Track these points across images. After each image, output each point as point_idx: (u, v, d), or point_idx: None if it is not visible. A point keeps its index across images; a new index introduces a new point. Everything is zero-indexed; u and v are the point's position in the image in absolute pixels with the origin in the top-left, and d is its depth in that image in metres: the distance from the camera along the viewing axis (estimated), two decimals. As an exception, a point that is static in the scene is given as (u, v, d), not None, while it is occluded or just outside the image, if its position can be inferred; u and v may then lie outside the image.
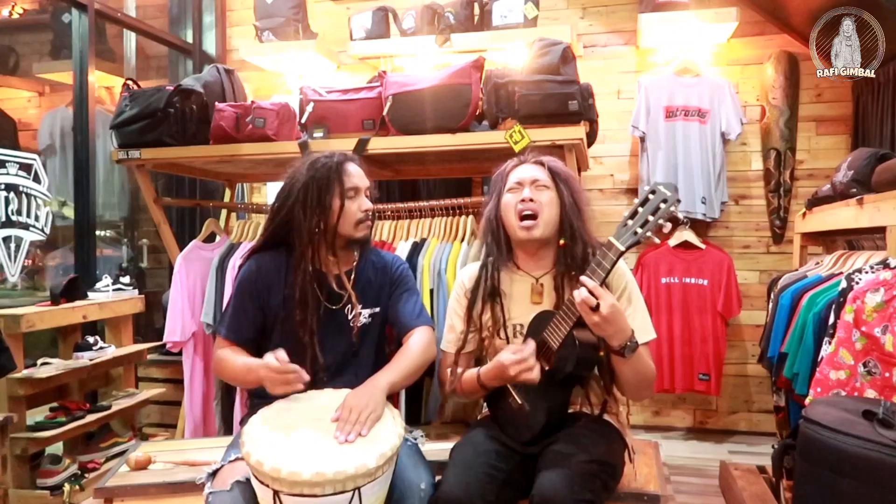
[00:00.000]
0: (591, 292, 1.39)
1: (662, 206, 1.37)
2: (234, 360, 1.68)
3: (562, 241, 1.63)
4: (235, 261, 2.60)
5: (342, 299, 1.73)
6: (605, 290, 1.41)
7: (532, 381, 1.49)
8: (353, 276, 1.77)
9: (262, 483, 1.31)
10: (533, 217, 1.63)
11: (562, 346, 1.49)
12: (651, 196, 1.39)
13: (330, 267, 1.75)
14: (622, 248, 1.40)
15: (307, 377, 1.52)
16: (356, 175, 1.74)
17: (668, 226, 1.38)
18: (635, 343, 1.46)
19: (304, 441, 1.36)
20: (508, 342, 1.66)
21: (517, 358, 1.49)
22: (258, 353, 1.67)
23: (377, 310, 1.78)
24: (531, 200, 1.63)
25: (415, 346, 1.69)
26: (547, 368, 1.51)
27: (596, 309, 1.39)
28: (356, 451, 1.32)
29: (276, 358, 1.51)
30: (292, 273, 1.70)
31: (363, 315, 1.75)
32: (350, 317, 1.74)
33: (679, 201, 1.38)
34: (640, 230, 1.38)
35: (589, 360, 1.54)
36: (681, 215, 1.42)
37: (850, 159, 2.43)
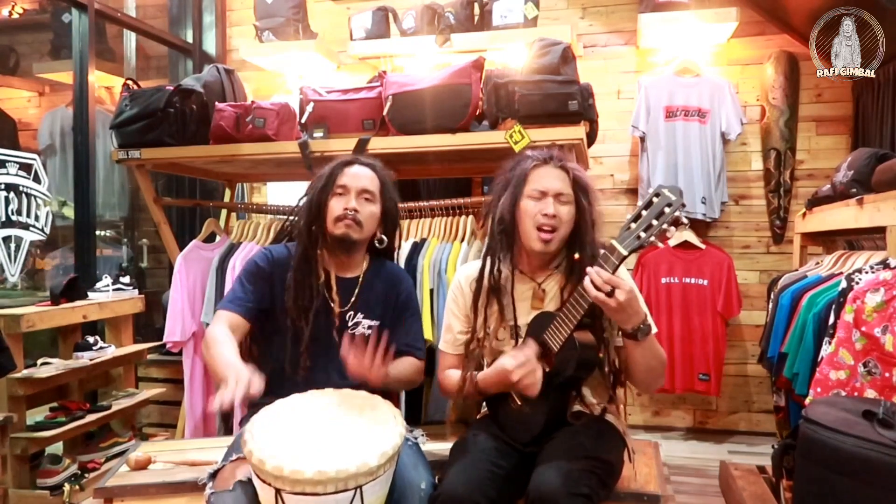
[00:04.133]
0: (606, 282, 1.38)
1: (667, 210, 1.34)
2: (224, 346, 1.57)
3: (577, 256, 1.58)
4: (235, 261, 2.60)
5: (345, 304, 1.74)
6: (619, 277, 1.40)
7: (533, 391, 1.47)
8: (360, 282, 1.77)
9: (263, 482, 1.31)
10: (552, 231, 1.58)
11: (562, 349, 1.48)
12: (655, 199, 1.36)
13: (336, 269, 1.76)
14: (625, 253, 1.38)
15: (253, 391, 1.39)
16: (349, 175, 1.74)
17: (672, 230, 1.35)
18: (648, 326, 1.46)
19: (306, 440, 1.36)
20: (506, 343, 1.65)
21: (519, 362, 1.48)
22: (259, 335, 1.75)
23: (376, 323, 1.77)
24: (554, 217, 1.57)
25: (410, 366, 1.77)
26: (547, 370, 1.50)
27: (611, 295, 1.38)
28: (358, 450, 1.32)
29: (251, 385, 1.39)
30: (296, 269, 1.71)
31: (363, 325, 1.75)
32: (350, 323, 1.74)
33: (684, 205, 1.34)
34: (643, 234, 1.36)
35: (589, 362, 1.53)
36: (682, 217, 1.39)
37: (850, 159, 2.43)
